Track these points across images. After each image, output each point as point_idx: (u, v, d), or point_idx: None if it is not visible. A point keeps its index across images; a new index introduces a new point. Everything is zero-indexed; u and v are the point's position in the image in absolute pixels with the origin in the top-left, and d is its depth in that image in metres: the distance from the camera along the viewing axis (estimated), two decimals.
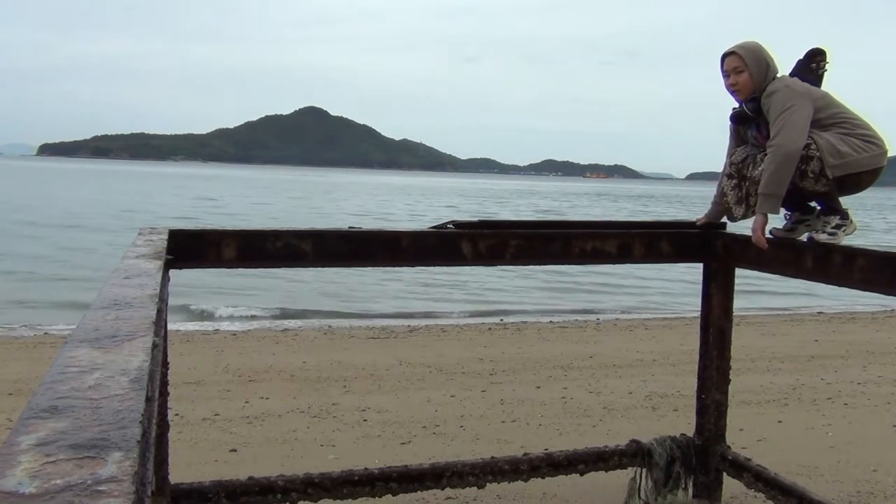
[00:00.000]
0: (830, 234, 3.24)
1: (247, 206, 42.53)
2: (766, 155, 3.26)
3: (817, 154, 3.16)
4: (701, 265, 3.86)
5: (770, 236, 3.43)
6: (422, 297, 13.86)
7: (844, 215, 3.29)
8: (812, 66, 3.38)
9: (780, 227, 3.49)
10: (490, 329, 9.71)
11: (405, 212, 42.85)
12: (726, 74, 3.42)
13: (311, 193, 66.94)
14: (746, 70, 3.35)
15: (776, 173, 3.17)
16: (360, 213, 38.76)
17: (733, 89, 3.41)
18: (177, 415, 5.16)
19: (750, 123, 3.45)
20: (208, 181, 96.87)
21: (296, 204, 47.09)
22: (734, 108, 3.51)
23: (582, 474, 3.75)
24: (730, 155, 3.56)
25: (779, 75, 3.38)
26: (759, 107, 3.34)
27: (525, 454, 3.68)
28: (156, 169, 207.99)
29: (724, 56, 3.44)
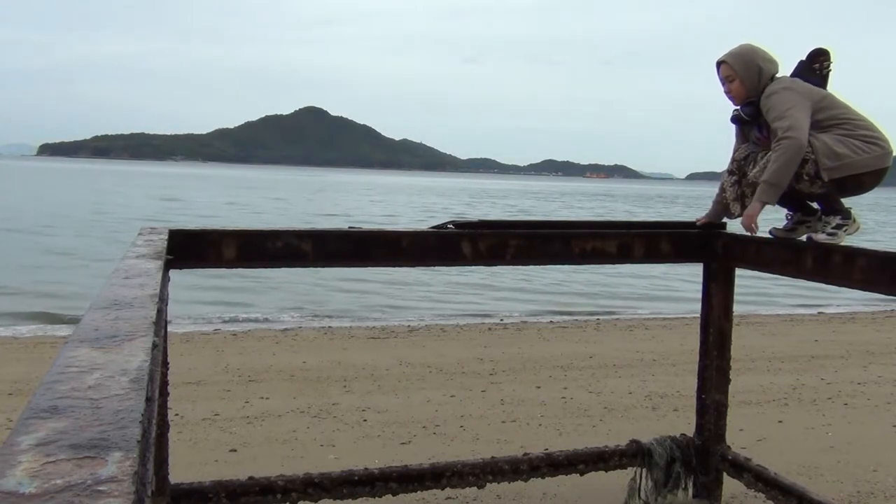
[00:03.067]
0: (830, 234, 3.24)
1: (216, 205, 41.93)
2: (765, 154, 3.28)
3: (812, 157, 3.16)
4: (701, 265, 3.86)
5: (769, 236, 3.43)
6: (421, 297, 13.87)
7: (846, 215, 3.28)
8: (815, 66, 3.37)
9: (781, 226, 3.49)
10: (490, 329, 9.71)
11: (385, 211, 42.76)
12: (722, 81, 3.46)
13: (296, 193, 66.44)
14: (737, 78, 3.39)
15: (785, 165, 3.15)
16: (334, 213, 38.11)
17: (729, 95, 3.46)
18: (177, 415, 5.16)
19: (752, 124, 3.48)
20: (194, 181, 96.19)
21: (273, 203, 46.44)
22: (734, 111, 3.53)
23: (582, 474, 3.75)
24: (735, 152, 3.60)
25: (779, 75, 3.38)
26: (757, 110, 3.36)
27: (525, 454, 3.68)
28: (152, 169, 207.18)
29: (718, 64, 3.48)
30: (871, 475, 4.56)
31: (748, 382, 6.59)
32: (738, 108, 3.48)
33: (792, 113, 3.17)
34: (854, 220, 3.28)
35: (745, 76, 3.37)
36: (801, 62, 3.40)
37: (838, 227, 3.25)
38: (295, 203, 48.60)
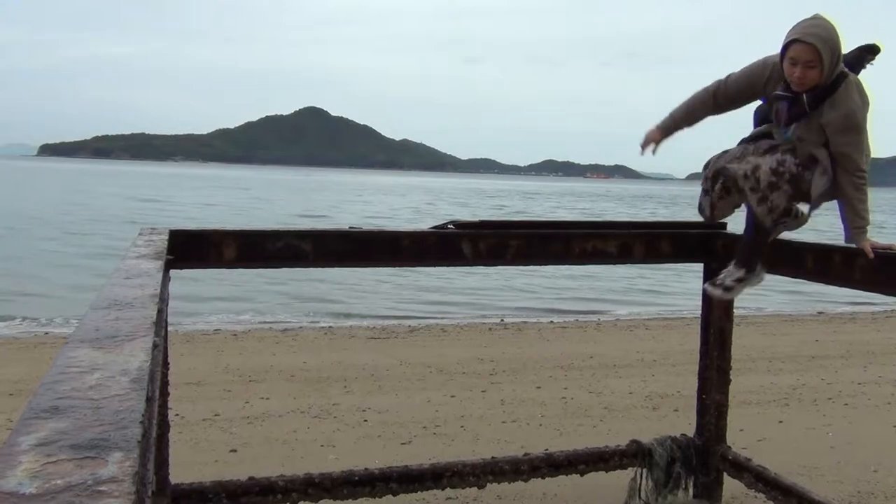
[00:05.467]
0: (726, 288, 3.13)
1: (189, 206, 41.75)
2: (782, 149, 3.08)
3: (784, 188, 3.01)
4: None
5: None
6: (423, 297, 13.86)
7: (754, 271, 3.18)
8: (865, 64, 3.10)
9: (718, 283, 3.26)
10: (490, 329, 9.71)
11: (368, 210, 42.73)
12: (792, 62, 2.91)
13: (281, 193, 66.04)
14: (819, 66, 2.88)
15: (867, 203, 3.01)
16: (308, 213, 37.77)
17: (798, 81, 2.93)
18: (177, 415, 5.16)
19: (785, 100, 3.05)
20: (183, 180, 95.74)
21: (248, 204, 46.15)
22: (785, 93, 3.02)
23: (582, 474, 3.75)
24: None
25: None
26: (818, 100, 2.95)
27: (525, 454, 3.68)
28: (149, 169, 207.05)
29: (793, 42, 2.91)
30: (872, 475, 4.56)
31: (748, 382, 6.58)
32: (795, 94, 2.98)
33: (867, 146, 2.99)
34: (758, 275, 3.19)
35: (829, 65, 2.89)
36: (854, 56, 3.05)
37: (738, 280, 3.15)
38: (273, 203, 48.41)
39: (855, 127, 2.96)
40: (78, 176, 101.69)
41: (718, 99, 3.22)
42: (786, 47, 2.93)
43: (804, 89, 2.95)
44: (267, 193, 62.95)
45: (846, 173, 3.00)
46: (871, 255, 2.91)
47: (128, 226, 23.72)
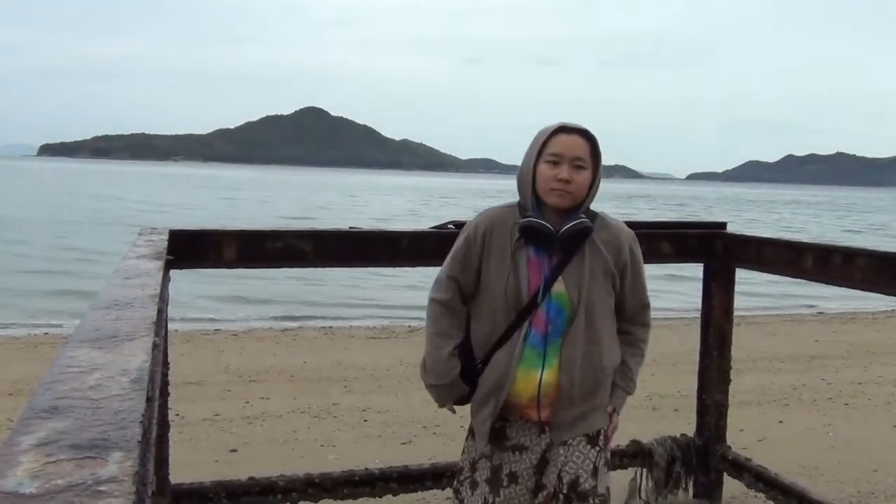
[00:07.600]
0: None
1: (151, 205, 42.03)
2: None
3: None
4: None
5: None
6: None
7: None
8: None
9: None
10: None
11: (346, 210, 42.91)
12: (554, 161, 2.16)
13: (267, 194, 66.22)
14: (590, 169, 2.21)
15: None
16: (289, 214, 37.93)
17: (561, 189, 2.16)
18: (177, 415, 5.16)
19: (539, 241, 2.23)
20: (169, 180, 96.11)
21: (228, 203, 46.19)
22: (533, 220, 2.20)
23: None
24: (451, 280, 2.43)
25: None
26: (583, 230, 2.22)
27: None
28: (143, 169, 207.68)
29: (558, 132, 2.19)
30: (872, 475, 4.56)
31: (749, 382, 6.58)
32: (570, 221, 2.19)
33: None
34: None
35: (597, 174, 2.24)
36: None
37: None
38: (248, 203, 48.39)
39: (641, 261, 2.41)
40: (60, 175, 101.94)
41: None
42: (545, 146, 2.17)
43: (566, 206, 2.20)
44: (253, 194, 63.01)
45: (642, 317, 2.51)
46: (611, 434, 2.44)
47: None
